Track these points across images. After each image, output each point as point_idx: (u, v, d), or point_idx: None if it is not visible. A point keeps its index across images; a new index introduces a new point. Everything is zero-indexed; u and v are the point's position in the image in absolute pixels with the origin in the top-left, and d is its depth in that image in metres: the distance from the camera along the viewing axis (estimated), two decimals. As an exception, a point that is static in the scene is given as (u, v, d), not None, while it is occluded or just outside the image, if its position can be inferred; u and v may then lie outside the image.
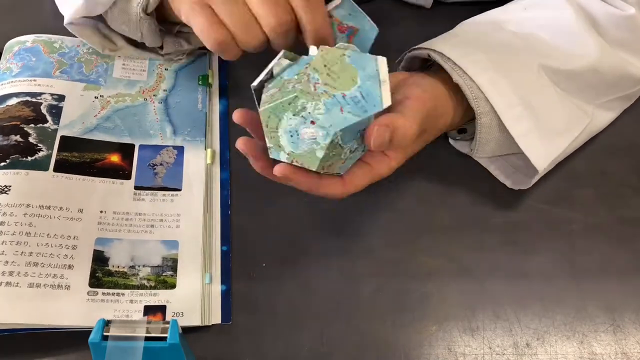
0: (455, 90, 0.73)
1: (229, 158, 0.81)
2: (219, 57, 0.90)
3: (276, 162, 0.63)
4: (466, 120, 0.78)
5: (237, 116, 0.66)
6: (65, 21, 0.82)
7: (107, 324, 0.56)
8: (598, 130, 0.84)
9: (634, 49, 0.81)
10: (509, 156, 0.79)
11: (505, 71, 0.74)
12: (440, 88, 0.73)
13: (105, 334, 0.56)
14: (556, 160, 0.76)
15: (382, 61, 0.60)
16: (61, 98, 0.81)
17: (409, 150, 0.70)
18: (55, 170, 0.74)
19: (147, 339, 0.57)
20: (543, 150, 0.74)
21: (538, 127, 0.73)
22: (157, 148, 0.80)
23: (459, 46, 0.75)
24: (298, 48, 0.67)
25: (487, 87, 0.72)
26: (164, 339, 0.56)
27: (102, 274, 0.69)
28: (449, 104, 0.74)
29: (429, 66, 0.80)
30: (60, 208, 0.72)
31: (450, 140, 0.82)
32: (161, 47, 0.86)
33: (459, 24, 0.82)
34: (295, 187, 0.65)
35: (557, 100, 0.76)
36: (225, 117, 0.85)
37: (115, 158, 0.78)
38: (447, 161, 0.81)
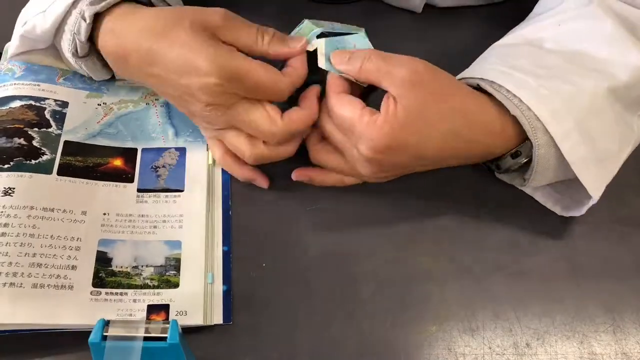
0: (500, 117, 0.71)
1: (229, 158, 0.81)
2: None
3: None
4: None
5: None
6: (9, 56, 0.84)
7: (107, 324, 0.57)
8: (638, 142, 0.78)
9: None
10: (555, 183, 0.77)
11: (561, 96, 0.70)
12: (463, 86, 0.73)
13: (105, 334, 0.56)
14: None
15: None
16: (65, 104, 0.82)
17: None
18: (58, 173, 0.75)
19: (147, 339, 0.57)
20: (598, 176, 0.72)
21: (594, 153, 0.71)
22: (160, 151, 0.81)
23: (509, 73, 0.72)
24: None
25: (545, 117, 0.69)
26: (164, 339, 0.57)
27: (105, 274, 0.70)
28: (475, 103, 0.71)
29: None
30: (64, 210, 0.72)
31: (497, 174, 0.79)
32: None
33: (490, 47, 0.80)
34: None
35: (613, 121, 0.73)
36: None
37: (118, 162, 0.79)
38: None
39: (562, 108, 0.69)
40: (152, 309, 0.68)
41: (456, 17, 0.84)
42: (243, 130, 0.72)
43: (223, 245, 0.74)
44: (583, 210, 0.74)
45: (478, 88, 0.73)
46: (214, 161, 0.80)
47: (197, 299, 0.70)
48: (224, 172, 0.80)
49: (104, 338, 0.56)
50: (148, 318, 0.68)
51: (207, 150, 0.81)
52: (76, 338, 0.65)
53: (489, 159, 0.76)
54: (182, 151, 0.81)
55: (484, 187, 0.80)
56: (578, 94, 0.71)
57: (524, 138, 0.71)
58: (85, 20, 0.73)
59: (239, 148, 0.74)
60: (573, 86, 0.71)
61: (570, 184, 0.73)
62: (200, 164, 0.80)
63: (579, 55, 0.75)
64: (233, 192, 0.78)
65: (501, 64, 0.74)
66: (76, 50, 0.77)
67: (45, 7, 0.76)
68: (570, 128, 0.69)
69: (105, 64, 0.79)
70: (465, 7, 0.87)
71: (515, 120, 0.70)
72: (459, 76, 0.75)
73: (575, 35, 0.76)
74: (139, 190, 0.77)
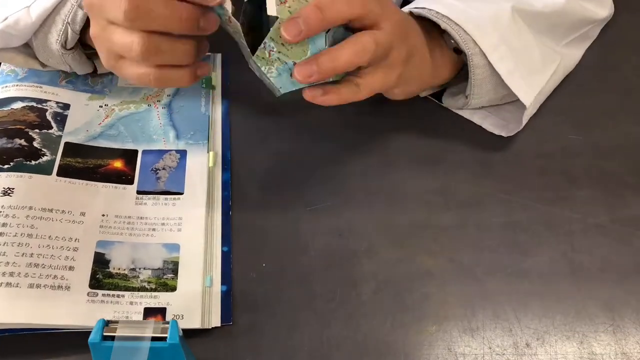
0: (441, 45, 0.80)
1: (230, 159, 0.81)
2: (221, 59, 0.92)
3: None
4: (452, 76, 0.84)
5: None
6: None
7: (107, 324, 0.57)
8: (571, 69, 0.91)
9: None
10: (500, 111, 0.86)
11: (485, 15, 0.79)
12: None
13: (106, 334, 0.56)
14: (538, 99, 0.82)
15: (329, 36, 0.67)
16: (66, 106, 0.82)
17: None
18: (58, 174, 0.75)
19: (147, 339, 0.57)
20: (528, 87, 0.80)
21: (519, 66, 0.79)
22: (160, 153, 0.81)
23: (439, 1, 0.80)
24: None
25: (473, 30, 0.77)
26: (163, 339, 0.56)
27: (102, 275, 0.70)
28: (422, 35, 0.78)
29: None
30: (63, 211, 0.72)
31: (444, 100, 0.86)
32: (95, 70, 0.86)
33: None
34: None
35: (532, 41, 0.83)
36: (227, 118, 0.85)
37: (118, 164, 0.79)
38: (448, 161, 0.82)
39: (487, 24, 0.79)
40: (149, 312, 0.68)
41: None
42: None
43: (223, 246, 0.74)
44: (521, 125, 0.82)
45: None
46: (214, 163, 0.80)
47: (194, 302, 0.69)
48: (223, 171, 0.80)
49: (105, 338, 0.56)
50: (148, 319, 0.67)
51: (208, 152, 0.81)
52: (76, 338, 0.65)
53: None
54: (182, 154, 0.81)
55: (485, 187, 0.80)
56: (500, 13, 0.80)
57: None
58: (82, 8, 0.73)
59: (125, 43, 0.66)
60: (495, 7, 0.81)
61: (511, 110, 0.83)
62: (201, 167, 0.80)
63: None
64: (233, 192, 0.78)
65: None
66: (65, 42, 0.76)
67: (30, 2, 0.76)
68: (496, 42, 0.78)
69: (88, 57, 0.80)
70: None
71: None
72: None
73: None
74: (138, 192, 0.77)
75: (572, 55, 0.92)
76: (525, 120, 0.82)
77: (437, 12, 0.77)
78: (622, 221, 0.77)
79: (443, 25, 0.77)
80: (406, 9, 0.81)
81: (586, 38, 0.95)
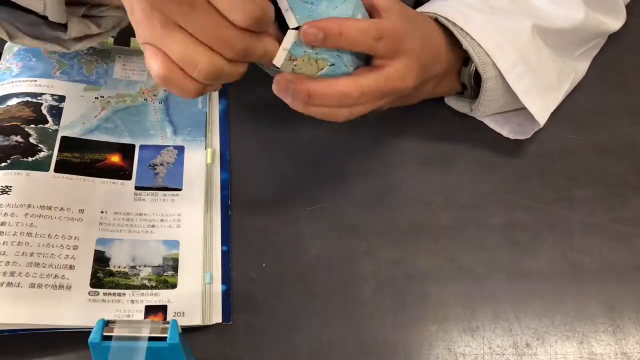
0: (450, 40, 0.78)
1: (229, 158, 0.81)
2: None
3: None
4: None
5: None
6: None
7: (107, 324, 0.56)
8: (579, 80, 0.89)
9: (603, 9, 0.89)
10: (509, 116, 0.85)
11: (506, 33, 0.78)
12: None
13: (105, 334, 0.56)
14: None
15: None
16: (61, 99, 0.81)
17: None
18: (56, 170, 0.74)
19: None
20: (543, 105, 0.79)
21: (537, 84, 0.79)
22: (158, 148, 0.80)
23: (461, 10, 0.78)
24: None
25: (494, 52, 0.76)
26: (163, 339, 0.56)
27: (103, 274, 0.69)
28: (441, 42, 0.77)
29: None
30: (61, 208, 0.72)
31: (446, 100, 0.86)
32: (65, 29, 0.76)
33: None
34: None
35: (549, 58, 0.82)
36: (225, 116, 0.85)
37: (115, 158, 0.78)
38: (448, 161, 0.82)
39: (507, 42, 0.77)
40: (150, 310, 0.68)
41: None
42: (193, 35, 0.58)
43: (223, 245, 0.73)
44: (529, 134, 0.82)
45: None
46: (212, 160, 0.80)
47: (195, 299, 0.69)
48: (222, 171, 0.79)
49: (104, 338, 0.56)
50: (146, 319, 0.67)
51: (206, 149, 0.81)
52: (76, 338, 0.65)
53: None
54: (180, 150, 0.80)
55: (485, 187, 0.80)
56: (520, 30, 0.79)
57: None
58: None
59: (191, 58, 0.58)
60: (516, 24, 0.79)
61: (519, 114, 0.83)
62: (199, 163, 0.80)
63: (521, 1, 0.84)
64: (232, 191, 0.78)
65: (453, 1, 0.81)
66: None
67: None
68: (514, 60, 0.77)
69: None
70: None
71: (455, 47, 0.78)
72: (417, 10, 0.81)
73: None
74: (136, 188, 0.77)
75: (582, 67, 0.91)
76: (532, 132, 0.82)
77: (462, 29, 0.76)
78: (622, 221, 0.77)
79: (465, 45, 0.76)
80: (426, 10, 0.79)
81: (595, 48, 0.95)
